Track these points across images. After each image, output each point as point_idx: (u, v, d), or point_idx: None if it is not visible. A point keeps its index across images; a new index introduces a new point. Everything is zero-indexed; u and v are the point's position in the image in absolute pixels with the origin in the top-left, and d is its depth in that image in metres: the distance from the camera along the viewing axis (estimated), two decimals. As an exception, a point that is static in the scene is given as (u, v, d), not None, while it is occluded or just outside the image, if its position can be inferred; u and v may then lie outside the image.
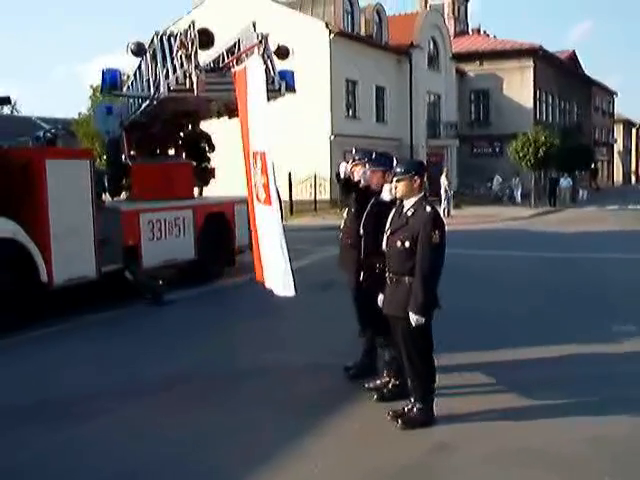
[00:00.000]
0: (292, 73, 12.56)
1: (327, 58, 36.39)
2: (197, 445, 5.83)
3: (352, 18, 41.00)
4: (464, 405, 6.52)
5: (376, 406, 6.57)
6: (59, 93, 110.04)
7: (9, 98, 13.72)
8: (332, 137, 36.31)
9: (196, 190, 15.59)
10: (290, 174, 31.66)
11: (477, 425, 6.09)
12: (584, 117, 68.01)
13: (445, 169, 36.01)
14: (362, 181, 6.85)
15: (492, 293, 12.42)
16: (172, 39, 11.23)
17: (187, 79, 10.60)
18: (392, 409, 6.24)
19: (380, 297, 6.24)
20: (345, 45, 37.89)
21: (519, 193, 42.07)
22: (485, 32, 59.91)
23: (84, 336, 9.92)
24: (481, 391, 6.96)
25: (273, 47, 11.23)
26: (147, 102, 12.31)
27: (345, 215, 7.53)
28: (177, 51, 10.81)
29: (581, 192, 47.22)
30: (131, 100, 14.26)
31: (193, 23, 10.92)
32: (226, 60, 10.79)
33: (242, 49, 10.11)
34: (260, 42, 7.74)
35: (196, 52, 10.62)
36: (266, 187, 6.62)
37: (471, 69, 52.38)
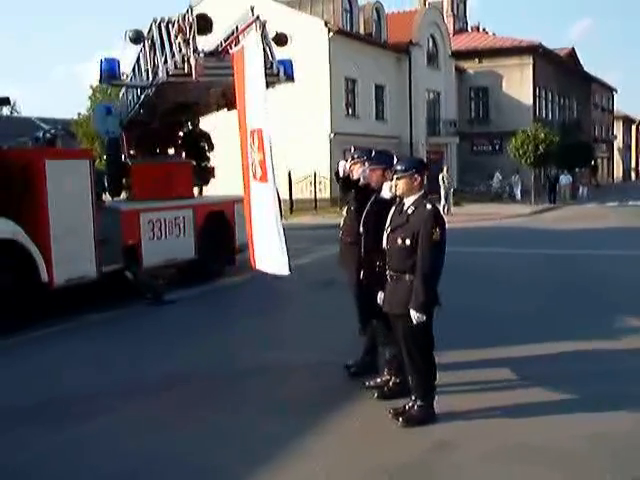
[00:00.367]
0: (291, 62, 12.52)
1: (326, 56, 36.40)
2: (198, 444, 5.84)
3: (351, 16, 41.00)
4: (465, 403, 6.52)
5: (377, 404, 6.57)
6: (58, 93, 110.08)
7: (8, 99, 13.71)
8: (332, 135, 36.32)
9: (196, 189, 15.59)
10: (290, 173, 31.68)
11: (478, 422, 6.09)
12: (584, 114, 67.97)
13: (445, 167, 36.01)
14: (361, 179, 6.84)
15: (492, 290, 12.43)
16: (170, 25, 11.17)
17: (185, 63, 10.55)
18: (393, 407, 6.24)
19: (380, 295, 6.24)
20: (344, 43, 37.90)
21: (519, 190, 42.06)
22: (484, 29, 59.85)
23: (85, 336, 9.93)
24: (482, 388, 6.96)
25: (272, 34, 11.24)
26: (146, 91, 12.27)
27: (345, 213, 7.53)
28: (175, 36, 10.77)
29: (581, 189, 47.21)
30: (130, 97, 14.26)
31: (191, 7, 10.91)
32: (224, 45, 10.75)
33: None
34: (257, 19, 7.63)
35: (194, 36, 10.58)
36: (262, 163, 6.60)
37: (470, 66, 52.37)
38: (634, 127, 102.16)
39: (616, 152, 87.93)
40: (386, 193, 6.47)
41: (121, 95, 16.26)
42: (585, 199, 43.95)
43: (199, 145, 15.77)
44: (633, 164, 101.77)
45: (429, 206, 5.84)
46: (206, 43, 11.04)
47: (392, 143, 39.69)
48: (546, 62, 54.21)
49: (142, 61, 12.20)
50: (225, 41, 10.75)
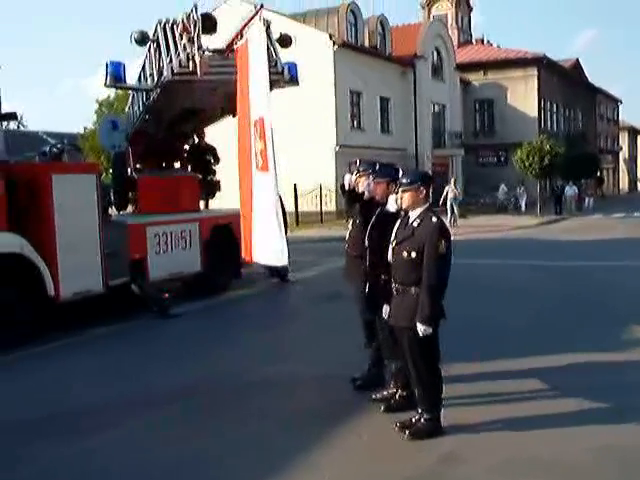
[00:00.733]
0: (295, 65, 12.54)
1: (331, 70, 36.51)
2: (204, 458, 5.83)
3: (356, 29, 41.14)
4: (471, 415, 6.50)
5: (383, 417, 6.56)
6: (65, 107, 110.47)
7: (15, 114, 13.78)
8: (337, 148, 36.39)
9: (202, 203, 15.62)
10: (296, 185, 31.71)
11: (485, 435, 6.07)
12: (589, 125, 68.01)
13: (452, 179, 36.03)
14: (366, 192, 6.87)
15: (499, 302, 12.40)
16: (175, 26, 11.20)
17: (190, 61, 10.58)
18: (399, 420, 6.23)
19: (385, 308, 6.24)
20: (349, 56, 38.01)
21: (524, 202, 42.02)
22: (489, 42, 60.04)
23: (91, 349, 9.94)
24: (488, 401, 6.94)
25: (276, 35, 11.27)
26: (152, 94, 12.26)
27: (350, 226, 7.54)
28: (180, 35, 10.80)
29: (587, 200, 47.12)
30: (135, 107, 14.30)
31: (195, 6, 10.90)
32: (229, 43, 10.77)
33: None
34: (261, 7, 7.62)
35: (199, 35, 10.61)
36: (263, 152, 6.61)
37: (475, 79, 52.49)
38: (639, 138, 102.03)
39: (622, 163, 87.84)
40: (391, 206, 6.48)
41: (127, 109, 16.33)
42: (591, 210, 43.87)
43: (205, 159, 15.80)
44: (639, 175, 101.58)
45: (434, 219, 5.85)
46: (211, 45, 11.06)
47: (397, 155, 39.75)
48: (551, 74, 54.31)
49: (147, 65, 12.24)
50: (230, 40, 10.80)
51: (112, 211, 14.05)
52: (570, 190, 42.66)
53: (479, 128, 53.53)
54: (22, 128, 48.29)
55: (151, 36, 11.63)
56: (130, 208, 14.92)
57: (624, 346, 8.98)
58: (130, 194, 14.56)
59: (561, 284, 14.58)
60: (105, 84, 12.01)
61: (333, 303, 12.25)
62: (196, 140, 15.93)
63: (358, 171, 7.04)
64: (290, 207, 27.79)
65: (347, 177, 7.11)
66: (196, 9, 10.85)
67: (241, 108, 7.29)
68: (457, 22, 58.15)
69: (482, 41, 60.10)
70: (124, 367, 8.91)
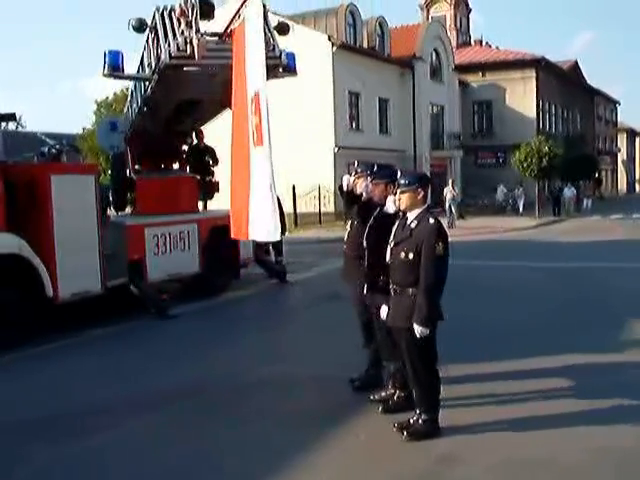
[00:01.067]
0: (293, 55, 12.53)
1: (330, 71, 36.52)
2: (202, 459, 5.85)
3: (354, 30, 41.16)
4: (469, 416, 6.51)
5: (381, 418, 6.57)
6: (64, 108, 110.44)
7: (14, 115, 13.78)
8: (336, 149, 36.40)
9: (200, 204, 15.63)
10: (294, 187, 31.71)
11: (482, 436, 6.09)
12: (587, 126, 68.06)
13: (450, 180, 36.04)
14: (364, 194, 6.89)
15: (497, 303, 12.42)
16: (172, 12, 11.15)
17: (188, 45, 10.56)
18: (397, 421, 6.24)
19: (383, 309, 6.25)
20: (348, 57, 38.02)
21: (522, 203, 42.05)
22: (487, 43, 60.09)
23: (89, 350, 9.94)
24: (486, 402, 6.96)
25: (274, 23, 11.28)
26: (150, 84, 12.19)
27: (348, 227, 7.55)
28: (178, 19, 10.77)
29: (585, 201, 47.14)
30: (134, 105, 14.29)
31: None
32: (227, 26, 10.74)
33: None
34: None
35: (197, 18, 10.56)
36: (258, 127, 6.60)
37: (474, 80, 52.51)
38: (638, 139, 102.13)
39: (620, 164, 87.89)
40: (390, 207, 6.49)
41: (125, 108, 16.34)
42: (589, 212, 43.88)
43: (204, 160, 15.79)
44: (637, 176, 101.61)
45: (432, 220, 5.86)
46: (209, 31, 11.04)
47: (396, 157, 39.74)
48: (549, 75, 54.33)
49: (145, 55, 12.21)
50: (228, 23, 10.76)
51: (111, 212, 14.06)
52: (568, 191, 42.69)
53: (478, 129, 53.54)
54: (21, 129, 48.29)
55: (149, 23, 11.60)
56: (129, 209, 14.95)
57: (623, 347, 8.99)
58: (129, 195, 14.59)
59: (560, 285, 14.60)
60: (103, 73, 11.95)
61: (332, 304, 12.26)
62: (195, 141, 15.93)
63: (356, 172, 7.06)
64: (289, 208, 27.84)
65: (345, 178, 7.13)
66: None
67: (238, 86, 7.25)
68: (456, 23, 58.27)
69: (481, 42, 60.14)
70: (122, 368, 8.91)
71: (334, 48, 36.65)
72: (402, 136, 42.77)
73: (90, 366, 9.04)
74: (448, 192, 32.79)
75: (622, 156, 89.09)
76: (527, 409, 6.68)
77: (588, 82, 68.42)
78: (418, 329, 5.74)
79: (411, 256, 5.84)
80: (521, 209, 41.59)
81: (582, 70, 66.11)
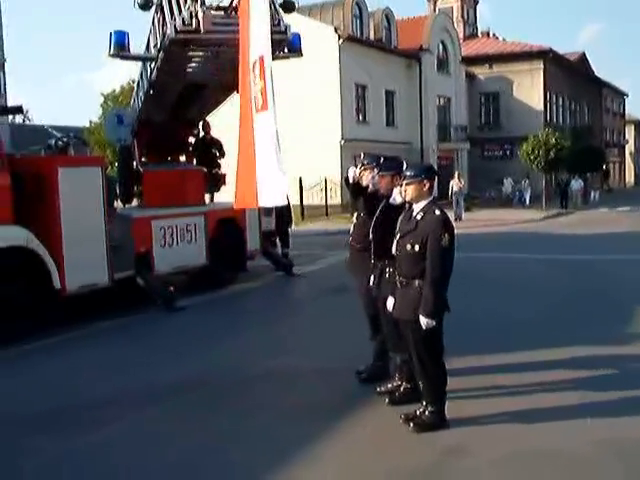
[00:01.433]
0: (298, 35, 12.51)
1: (336, 63, 36.47)
2: (207, 451, 5.87)
3: (361, 23, 41.09)
4: (475, 408, 6.52)
5: (388, 410, 6.59)
6: (71, 101, 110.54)
7: (21, 107, 13.83)
8: (342, 142, 36.37)
9: (207, 196, 15.65)
10: (301, 179, 31.71)
11: (489, 428, 6.10)
12: (595, 118, 67.82)
13: (457, 172, 35.98)
14: (371, 186, 6.89)
15: (502, 296, 12.42)
16: None
17: (194, 19, 10.56)
18: (404, 413, 6.25)
19: (390, 301, 6.26)
20: (354, 50, 37.97)
21: (528, 195, 41.98)
22: (494, 35, 59.86)
23: (96, 343, 9.97)
24: (492, 394, 6.96)
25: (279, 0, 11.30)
26: (156, 64, 12.14)
27: (354, 220, 7.56)
28: None
29: (592, 194, 47.07)
30: (140, 93, 14.28)
31: None
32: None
33: None
34: None
35: None
36: (263, 91, 6.60)
37: (481, 72, 52.35)
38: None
39: (628, 157, 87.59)
40: (396, 199, 6.49)
41: (132, 101, 16.35)
42: (596, 204, 43.79)
43: (210, 152, 15.81)
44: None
45: (438, 212, 5.86)
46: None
47: (403, 149, 39.70)
48: (557, 67, 54.13)
49: (152, 37, 12.18)
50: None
51: (118, 204, 14.09)
52: (576, 184, 42.60)
53: (484, 121, 53.40)
54: (28, 122, 48.38)
55: (155, 0, 11.57)
56: (136, 201, 14.97)
57: (628, 339, 8.98)
58: (136, 187, 14.61)
59: (565, 277, 14.57)
60: (109, 54, 11.93)
61: (338, 296, 12.27)
62: (202, 133, 15.94)
63: (362, 164, 7.06)
64: (295, 201, 27.85)
65: (351, 170, 7.13)
66: None
67: (244, 56, 7.24)
68: (463, 15, 58.00)
69: (488, 34, 59.87)
70: (128, 360, 8.94)
71: (341, 40, 36.60)
72: (409, 128, 42.72)
73: (96, 359, 9.07)
74: (454, 184, 32.73)
75: (630, 148, 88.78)
76: (532, 401, 6.69)
77: (596, 74, 68.16)
78: (424, 321, 5.74)
79: (417, 248, 5.84)
80: (528, 201, 41.52)
81: (590, 62, 65.91)
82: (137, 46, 12.65)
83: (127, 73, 64.56)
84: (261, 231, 15.24)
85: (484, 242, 22.34)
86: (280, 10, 11.35)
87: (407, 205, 6.18)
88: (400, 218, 6.18)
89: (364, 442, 6.02)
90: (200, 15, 10.47)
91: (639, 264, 16.07)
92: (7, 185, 10.09)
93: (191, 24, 10.59)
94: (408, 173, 6.09)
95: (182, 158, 15.73)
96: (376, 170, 6.89)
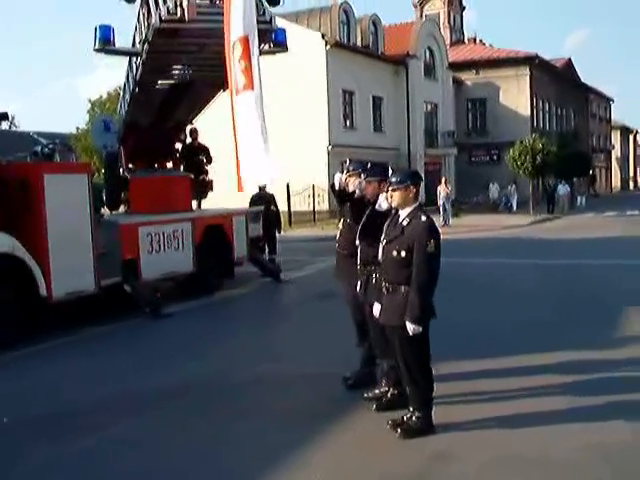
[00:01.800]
0: (284, 30, 12.49)
1: (324, 69, 36.55)
2: (196, 457, 5.85)
3: (348, 29, 41.18)
4: (462, 413, 6.53)
5: (375, 416, 6.58)
6: (57, 108, 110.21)
7: (7, 114, 13.76)
8: (330, 147, 36.42)
9: (194, 203, 15.64)
10: (288, 185, 31.72)
11: (476, 433, 6.10)
12: (581, 124, 68.15)
13: (444, 178, 36.07)
14: (357, 192, 6.89)
15: (490, 301, 12.44)
16: None
17: (178, 7, 10.52)
18: (391, 418, 6.24)
19: (376, 307, 6.26)
20: (341, 56, 38.04)
21: (515, 201, 42.13)
22: (481, 41, 60.12)
23: (83, 350, 9.94)
24: (479, 399, 6.96)
25: None
26: (141, 58, 12.07)
27: (341, 226, 7.56)
28: None
29: (579, 199, 47.30)
30: (127, 96, 14.23)
31: None
32: None
33: None
34: None
35: None
36: (247, 71, 6.57)
37: (468, 78, 52.56)
38: (632, 137, 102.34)
39: (614, 162, 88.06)
40: (382, 205, 6.50)
41: (119, 107, 16.32)
42: (583, 209, 44.00)
43: (198, 158, 15.80)
44: (631, 174, 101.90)
45: (424, 218, 5.87)
46: None
47: (390, 155, 39.85)
48: (543, 73, 54.42)
49: (137, 34, 12.12)
50: None
51: (104, 211, 14.04)
52: (563, 189, 42.78)
53: (472, 127, 53.61)
54: (14, 128, 48.18)
55: None
56: (122, 208, 14.94)
57: (615, 344, 9.00)
58: (122, 194, 14.57)
59: (552, 282, 14.62)
60: (94, 48, 11.86)
61: (325, 302, 12.27)
62: (189, 139, 15.94)
63: (348, 170, 7.06)
64: (283, 207, 27.85)
65: (337, 176, 7.13)
66: None
67: (226, 35, 7.22)
68: (449, 21, 58.25)
69: (474, 40, 60.14)
70: (116, 367, 8.90)
71: (328, 46, 36.68)
72: (396, 134, 42.83)
73: (84, 365, 9.03)
74: (442, 190, 32.78)
75: (616, 153, 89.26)
76: (519, 406, 6.70)
77: (582, 80, 68.55)
78: (410, 327, 5.74)
79: (403, 254, 5.85)
80: (514, 207, 41.66)
81: (576, 68, 66.32)
82: (123, 45, 12.57)
83: (114, 80, 64.56)
84: (248, 237, 15.23)
85: (471, 248, 22.41)
86: (265, 2, 11.32)
87: (393, 211, 6.19)
88: (386, 224, 6.18)
89: (351, 448, 6.01)
90: (185, 4, 10.44)
91: (626, 269, 16.12)
92: (-7, 192, 10.05)
93: (176, 13, 10.54)
94: (394, 179, 6.10)
95: (169, 164, 15.72)
96: (362, 176, 6.90)
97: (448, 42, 52.45)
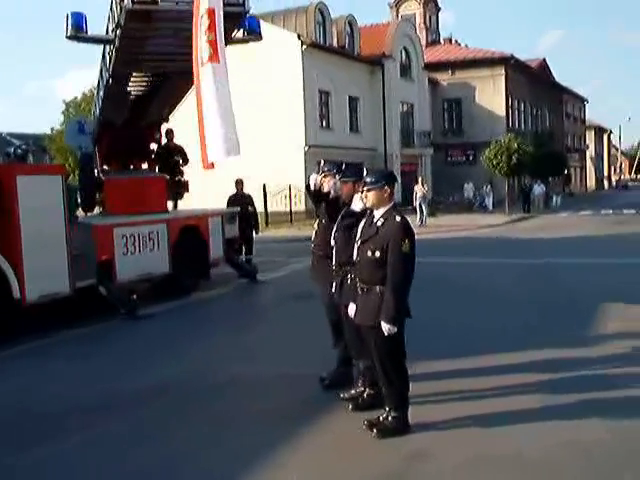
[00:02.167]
0: (258, 20, 12.39)
1: (300, 69, 36.53)
2: (172, 459, 5.82)
3: (324, 29, 41.18)
4: (438, 413, 6.54)
5: (351, 416, 6.57)
6: (31, 108, 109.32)
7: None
8: (306, 148, 36.40)
9: (170, 204, 15.57)
10: (265, 186, 31.69)
11: (452, 432, 6.12)
12: (556, 124, 68.65)
13: (420, 178, 36.16)
14: (332, 192, 6.89)
15: (465, 301, 12.47)
16: None
17: None
18: (367, 419, 6.24)
19: (351, 307, 6.26)
20: (317, 56, 38.06)
21: (490, 200, 42.36)
22: (457, 41, 60.42)
23: (60, 353, 9.86)
24: (455, 399, 6.98)
25: None
26: (114, 45, 11.85)
27: (316, 226, 7.56)
28: None
29: (554, 198, 47.64)
30: (101, 92, 14.11)
31: None
32: None
33: None
34: None
35: None
36: (213, 43, 6.56)
37: (443, 78, 52.77)
38: (605, 137, 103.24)
39: (589, 161, 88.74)
40: (357, 205, 6.50)
41: (93, 106, 16.21)
42: (558, 208, 44.32)
43: (173, 159, 15.73)
44: (605, 173, 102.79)
45: (398, 218, 5.87)
46: None
47: (367, 155, 39.94)
48: (518, 73, 54.75)
49: (110, 24, 11.98)
50: None
51: (79, 213, 13.95)
52: (538, 188, 43.11)
53: (448, 127, 53.82)
54: (-13, 129, 47.65)
55: None
56: (97, 209, 14.84)
57: (588, 342, 9.07)
58: (97, 195, 14.47)
59: (527, 281, 14.70)
60: (66, 36, 11.71)
61: (302, 303, 12.26)
62: (164, 140, 15.87)
63: (323, 171, 7.06)
64: (259, 207, 27.81)
65: (313, 177, 7.14)
66: None
67: (195, 9, 7.20)
68: (425, 22, 58.43)
69: (450, 41, 60.44)
70: (92, 370, 8.83)
71: (304, 47, 36.67)
72: (372, 134, 42.90)
73: (62, 368, 8.97)
74: (418, 190, 32.88)
75: (590, 153, 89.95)
76: (494, 405, 6.72)
77: (557, 80, 69.04)
78: (385, 327, 5.75)
79: (378, 254, 5.85)
80: (490, 206, 41.89)
81: (551, 68, 66.82)
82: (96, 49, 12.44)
83: (89, 80, 64.10)
84: (224, 238, 15.18)
85: (447, 247, 22.51)
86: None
87: (368, 211, 6.19)
88: (361, 224, 6.19)
89: (328, 448, 6.00)
90: None
91: (601, 267, 16.24)
92: (-35, 194, 9.96)
93: None
94: (369, 179, 6.10)
95: (144, 165, 15.64)
96: (337, 177, 6.90)
97: (424, 43, 52.60)
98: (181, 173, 15.89)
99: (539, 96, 61.59)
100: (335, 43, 41.82)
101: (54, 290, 11.00)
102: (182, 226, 14.06)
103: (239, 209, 16.20)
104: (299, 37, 37.01)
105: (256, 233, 17.76)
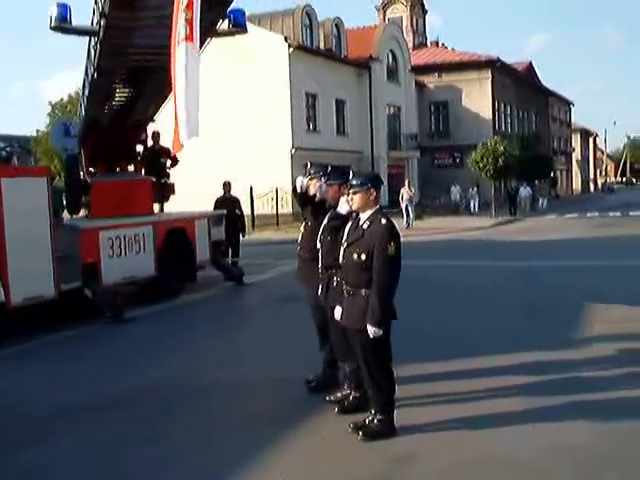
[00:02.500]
0: (243, 12, 12.37)
1: (287, 72, 36.51)
2: (160, 461, 5.80)
3: (311, 32, 41.21)
4: (424, 415, 6.53)
5: (338, 419, 6.56)
6: (18, 109, 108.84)
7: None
8: (293, 151, 36.38)
9: (157, 206, 15.51)
10: (251, 188, 31.65)
11: (438, 435, 6.11)
12: (542, 127, 68.90)
13: (407, 181, 36.23)
14: (318, 195, 6.89)
15: (451, 303, 12.50)
16: None
17: None
18: (353, 421, 6.24)
19: (337, 310, 6.25)
20: (304, 59, 38.07)
21: (476, 203, 42.48)
22: (443, 44, 60.59)
23: (45, 356, 9.80)
24: (441, 401, 6.99)
25: None
26: (98, 38, 11.67)
27: (302, 229, 7.56)
28: None
29: (541, 201, 47.81)
30: (86, 91, 14.05)
31: None
32: None
33: None
34: None
35: None
36: (190, 22, 6.58)
37: (430, 81, 52.90)
38: (591, 140, 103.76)
39: (575, 164, 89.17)
40: (343, 208, 6.50)
41: (79, 107, 16.13)
42: (545, 211, 44.47)
43: (159, 161, 15.68)
44: (591, 176, 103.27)
45: (384, 221, 5.88)
46: None
47: (353, 158, 39.97)
48: (505, 76, 54.97)
49: (94, 17, 11.90)
50: None
51: (65, 215, 13.88)
52: (524, 191, 43.24)
53: (434, 130, 53.93)
54: (-28, 131, 47.40)
55: None
56: (83, 212, 14.77)
57: (574, 344, 9.08)
58: (83, 198, 14.40)
59: (513, 284, 14.72)
60: (50, 27, 11.64)
61: (288, 305, 12.24)
62: (150, 142, 15.81)
63: (310, 174, 7.06)
64: (246, 210, 27.78)
65: (299, 180, 7.13)
66: None
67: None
68: (412, 25, 58.65)
69: (437, 44, 60.63)
70: (78, 373, 8.79)
71: (291, 49, 36.68)
72: (359, 137, 42.96)
73: (48, 371, 8.92)
74: (405, 193, 32.92)
75: (576, 156, 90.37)
76: (481, 408, 6.72)
77: (543, 83, 69.35)
78: (371, 330, 5.74)
79: (363, 257, 5.85)
80: (476, 209, 42.01)
81: (537, 71, 67.07)
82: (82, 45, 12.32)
83: (75, 82, 63.86)
84: (211, 241, 15.16)
85: (433, 250, 22.53)
86: None
87: (354, 214, 6.19)
88: (347, 227, 6.19)
89: (314, 451, 5.99)
90: None
91: (586, 270, 16.28)
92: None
93: None
94: (354, 182, 6.10)
95: (130, 168, 15.57)
96: (323, 179, 6.90)
97: (411, 46, 52.77)
98: (167, 175, 15.86)
99: (525, 99, 61.83)
100: (322, 46, 41.83)
101: (39, 293, 10.93)
102: (168, 229, 14.02)
103: (226, 212, 16.17)
104: (286, 40, 36.99)
105: (243, 236, 17.75)
